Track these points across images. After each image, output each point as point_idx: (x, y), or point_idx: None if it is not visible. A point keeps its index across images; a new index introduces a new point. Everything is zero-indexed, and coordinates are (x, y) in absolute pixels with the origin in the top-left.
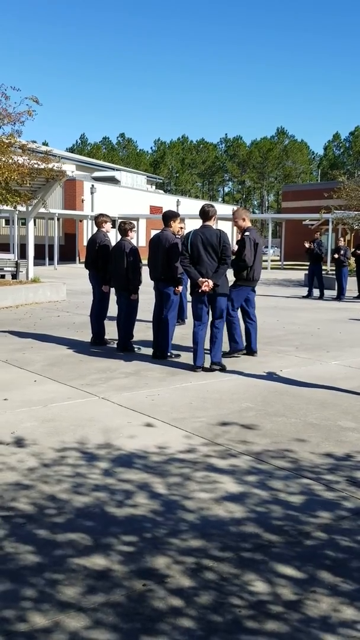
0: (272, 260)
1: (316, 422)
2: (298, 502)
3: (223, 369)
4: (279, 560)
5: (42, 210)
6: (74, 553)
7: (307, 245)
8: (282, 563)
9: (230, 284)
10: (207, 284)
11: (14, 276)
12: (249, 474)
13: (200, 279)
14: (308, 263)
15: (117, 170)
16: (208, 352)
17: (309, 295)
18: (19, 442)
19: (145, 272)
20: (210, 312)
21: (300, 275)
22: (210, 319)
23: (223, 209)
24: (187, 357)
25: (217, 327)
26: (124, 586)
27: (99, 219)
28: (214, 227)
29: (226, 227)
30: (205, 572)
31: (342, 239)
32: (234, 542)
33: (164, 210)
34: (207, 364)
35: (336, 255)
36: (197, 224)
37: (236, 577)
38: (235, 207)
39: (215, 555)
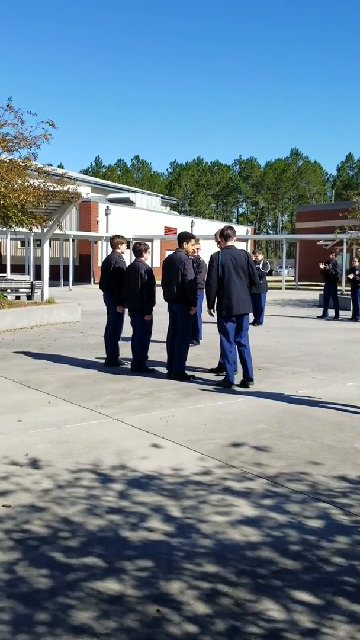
0: (286, 281)
1: (332, 444)
2: (315, 527)
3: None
4: (295, 586)
5: (57, 231)
6: (87, 577)
7: (322, 267)
8: (298, 589)
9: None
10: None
11: (29, 297)
12: (265, 497)
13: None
14: (323, 283)
15: (131, 192)
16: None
17: (324, 316)
18: (33, 464)
19: (159, 292)
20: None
21: (314, 295)
22: (235, 338)
23: (238, 230)
24: (201, 378)
25: (244, 344)
26: (137, 611)
27: (114, 240)
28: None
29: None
30: (220, 597)
31: (356, 259)
32: (249, 567)
33: (178, 232)
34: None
35: (351, 276)
36: (211, 244)
37: (252, 603)
38: (249, 228)
39: (231, 580)
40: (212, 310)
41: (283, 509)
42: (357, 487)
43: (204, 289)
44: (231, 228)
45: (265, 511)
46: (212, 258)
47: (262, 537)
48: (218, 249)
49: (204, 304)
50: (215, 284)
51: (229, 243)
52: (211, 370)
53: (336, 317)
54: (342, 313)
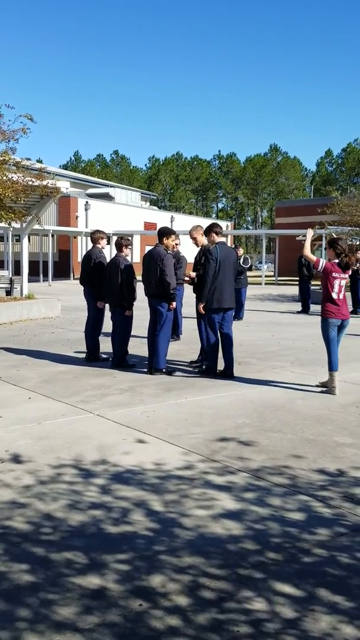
0: (266, 276)
1: (312, 438)
2: (296, 519)
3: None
4: (277, 578)
5: (36, 226)
6: (69, 572)
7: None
8: (280, 581)
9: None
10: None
11: (8, 293)
12: (247, 490)
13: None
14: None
15: (111, 187)
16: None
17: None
18: (14, 460)
19: (140, 287)
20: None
21: (294, 290)
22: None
23: None
24: (181, 373)
25: (230, 334)
26: (120, 606)
27: (95, 235)
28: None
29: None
30: (202, 590)
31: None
32: (231, 560)
33: (158, 227)
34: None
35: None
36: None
37: (234, 595)
38: (229, 224)
39: (213, 573)
40: (202, 307)
41: (265, 502)
42: (337, 479)
43: (190, 284)
44: (219, 225)
45: (247, 504)
46: (210, 252)
47: (244, 530)
48: (195, 245)
49: (186, 300)
50: (213, 278)
51: (219, 239)
52: (191, 363)
53: (306, 311)
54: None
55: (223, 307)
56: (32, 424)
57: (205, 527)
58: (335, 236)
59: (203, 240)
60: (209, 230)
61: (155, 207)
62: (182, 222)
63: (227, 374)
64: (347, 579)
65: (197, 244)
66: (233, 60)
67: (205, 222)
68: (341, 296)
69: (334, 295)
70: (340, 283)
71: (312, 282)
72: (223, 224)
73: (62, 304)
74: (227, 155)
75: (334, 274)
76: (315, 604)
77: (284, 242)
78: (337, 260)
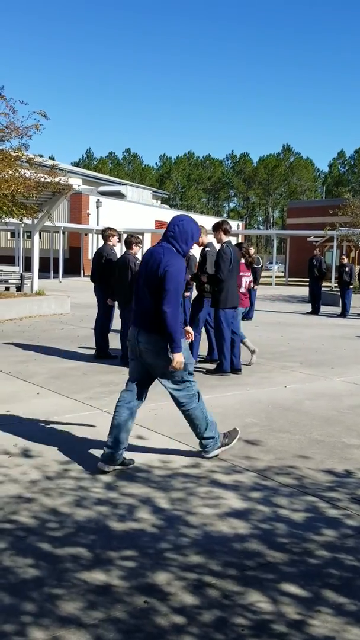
0: (276, 277)
1: (320, 439)
2: (302, 520)
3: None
4: (283, 578)
5: (47, 223)
6: (74, 568)
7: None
8: (286, 581)
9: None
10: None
11: (19, 289)
12: (253, 490)
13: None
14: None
15: (122, 184)
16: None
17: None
18: (22, 455)
19: None
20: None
21: (304, 291)
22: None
23: None
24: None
25: (237, 333)
26: (125, 602)
27: (106, 233)
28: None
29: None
30: (207, 589)
31: (344, 256)
32: (237, 559)
33: None
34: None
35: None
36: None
37: (239, 594)
38: (240, 223)
39: (218, 572)
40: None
41: (271, 502)
42: (345, 481)
43: (213, 283)
44: (228, 223)
45: (254, 504)
46: (224, 251)
47: (250, 530)
48: (197, 245)
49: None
50: (228, 277)
51: (227, 238)
52: (204, 361)
53: (316, 313)
54: (332, 310)
55: (235, 306)
56: (41, 419)
57: (211, 526)
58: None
59: (204, 238)
60: (218, 227)
61: (167, 206)
62: None
63: (236, 372)
64: (353, 581)
65: (199, 244)
66: (247, 60)
67: (214, 222)
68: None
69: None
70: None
71: (323, 284)
72: (234, 223)
73: (72, 301)
74: (240, 155)
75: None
76: (321, 605)
77: (295, 243)
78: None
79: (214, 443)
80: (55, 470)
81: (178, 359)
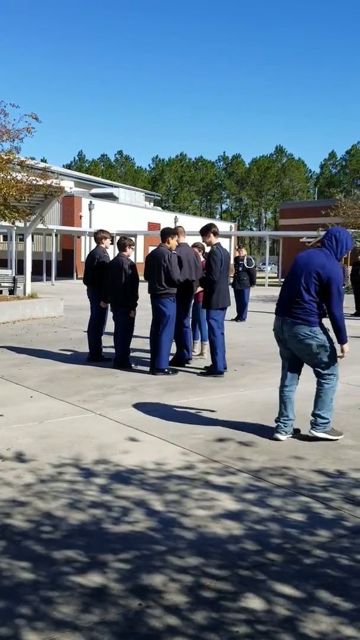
0: (269, 277)
1: (314, 439)
2: (297, 520)
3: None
4: (277, 578)
5: (40, 226)
6: (69, 570)
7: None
8: (280, 582)
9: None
10: None
11: (12, 292)
12: (247, 491)
13: None
14: None
15: (115, 187)
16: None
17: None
18: (15, 459)
19: (142, 287)
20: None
21: None
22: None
23: (221, 226)
24: (184, 373)
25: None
26: (120, 605)
27: (98, 235)
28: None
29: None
30: (202, 590)
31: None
32: (231, 560)
33: (162, 227)
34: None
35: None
36: (194, 240)
37: (234, 595)
38: (232, 225)
39: (213, 573)
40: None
41: (265, 503)
42: (338, 481)
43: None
44: (216, 226)
45: (248, 505)
46: (214, 252)
47: (244, 531)
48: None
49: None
50: (219, 278)
51: (217, 240)
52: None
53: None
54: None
55: (227, 306)
56: (34, 423)
57: (205, 527)
58: None
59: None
60: (207, 231)
61: (159, 208)
62: (186, 222)
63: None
64: (347, 581)
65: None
66: (238, 61)
67: (205, 223)
68: None
69: None
70: None
71: None
72: (227, 225)
73: (65, 304)
74: (233, 157)
75: None
76: (315, 605)
77: (287, 244)
78: None
79: (325, 424)
80: (49, 474)
81: (346, 349)
